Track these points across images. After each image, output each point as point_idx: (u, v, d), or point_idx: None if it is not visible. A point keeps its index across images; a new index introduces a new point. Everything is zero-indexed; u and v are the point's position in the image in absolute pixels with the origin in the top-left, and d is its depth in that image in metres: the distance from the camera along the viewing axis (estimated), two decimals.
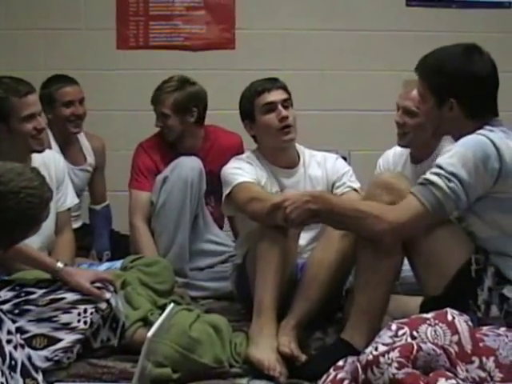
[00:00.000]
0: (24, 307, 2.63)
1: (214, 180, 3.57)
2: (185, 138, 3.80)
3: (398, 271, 2.74)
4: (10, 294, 2.66)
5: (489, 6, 4.63)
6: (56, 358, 2.59)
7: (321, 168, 3.33)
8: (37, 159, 3.18)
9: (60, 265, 2.77)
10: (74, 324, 2.64)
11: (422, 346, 2.11)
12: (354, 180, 3.31)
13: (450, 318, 2.23)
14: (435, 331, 2.19)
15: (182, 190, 3.57)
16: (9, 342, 2.22)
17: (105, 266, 3.49)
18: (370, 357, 2.12)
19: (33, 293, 2.67)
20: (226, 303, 3.50)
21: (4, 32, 4.53)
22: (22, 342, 2.29)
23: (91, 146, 4.04)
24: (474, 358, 2.17)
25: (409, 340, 2.16)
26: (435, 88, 2.66)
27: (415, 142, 3.27)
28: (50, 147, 3.56)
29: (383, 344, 2.15)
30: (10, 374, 2.16)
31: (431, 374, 2.07)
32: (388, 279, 2.69)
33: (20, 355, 2.21)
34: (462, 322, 2.23)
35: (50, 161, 3.31)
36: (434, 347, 2.12)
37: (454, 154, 2.55)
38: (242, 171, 3.19)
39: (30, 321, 2.60)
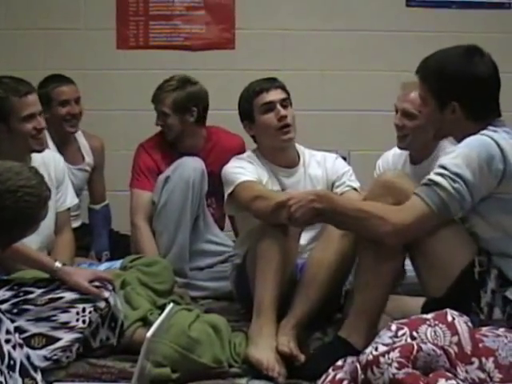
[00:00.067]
0: (22, 307, 2.62)
1: (215, 181, 3.57)
2: (185, 137, 3.81)
3: (398, 273, 2.73)
4: (8, 294, 2.66)
5: (489, 7, 4.63)
6: (55, 358, 2.59)
7: (321, 167, 3.33)
8: (36, 159, 3.18)
9: (58, 264, 2.76)
10: (73, 323, 2.64)
11: (422, 346, 2.11)
12: (354, 179, 3.32)
13: (449, 318, 2.23)
14: (435, 332, 2.19)
15: (184, 191, 3.57)
16: (7, 341, 2.22)
17: (104, 265, 3.49)
18: (370, 357, 2.12)
19: (31, 292, 2.67)
20: (226, 303, 3.50)
21: (4, 32, 4.52)
22: (21, 341, 2.29)
23: (89, 146, 4.04)
24: (473, 359, 2.17)
25: (409, 340, 2.16)
26: (436, 91, 2.65)
27: (415, 144, 3.27)
28: (47, 147, 3.56)
29: (383, 344, 2.15)
30: (8, 373, 2.16)
31: (431, 375, 2.07)
32: (388, 281, 2.68)
33: (19, 355, 2.21)
34: (461, 322, 2.23)
35: (49, 161, 3.31)
36: (434, 348, 2.12)
37: (458, 155, 2.54)
38: (244, 170, 3.19)
39: (28, 320, 2.60)
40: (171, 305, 2.48)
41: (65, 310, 2.65)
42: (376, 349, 2.14)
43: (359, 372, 2.16)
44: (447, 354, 2.13)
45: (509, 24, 4.60)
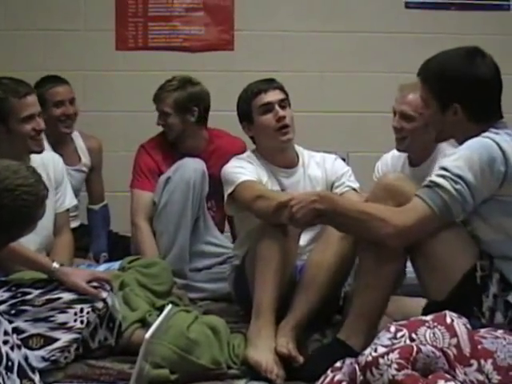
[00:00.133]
0: (20, 307, 2.62)
1: (215, 184, 3.57)
2: (186, 138, 3.82)
3: (399, 276, 2.73)
4: (6, 295, 2.66)
5: (488, 9, 4.64)
6: (53, 358, 2.59)
7: (320, 168, 3.33)
8: (36, 160, 3.18)
9: (56, 265, 2.76)
10: (71, 323, 2.64)
11: (422, 348, 2.11)
12: (353, 180, 3.31)
13: (448, 320, 2.23)
14: (434, 334, 2.18)
15: (184, 192, 3.58)
16: (5, 342, 2.22)
17: (103, 267, 3.48)
18: (370, 358, 2.12)
19: (29, 293, 2.67)
20: (225, 304, 3.50)
21: (3, 33, 4.52)
22: (19, 342, 2.29)
23: (86, 146, 4.04)
24: (472, 361, 2.16)
25: (408, 342, 2.16)
26: (438, 93, 2.64)
27: (413, 146, 3.27)
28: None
29: (382, 346, 2.15)
30: (6, 374, 2.15)
31: (430, 376, 2.07)
32: (388, 283, 2.68)
33: (17, 356, 2.21)
34: (460, 324, 2.23)
35: (48, 161, 3.31)
36: (434, 349, 2.12)
37: (459, 157, 2.53)
38: (245, 170, 3.19)
39: (26, 321, 2.59)
40: (170, 306, 2.48)
41: (63, 311, 2.64)
42: (375, 350, 2.14)
43: (358, 373, 2.15)
44: (446, 355, 2.13)
45: (508, 25, 4.61)
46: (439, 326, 2.20)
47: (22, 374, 2.22)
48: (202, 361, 2.64)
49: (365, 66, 4.62)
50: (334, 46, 4.62)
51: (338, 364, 2.32)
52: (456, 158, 2.54)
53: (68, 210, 3.44)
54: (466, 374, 2.14)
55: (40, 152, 3.19)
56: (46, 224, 3.15)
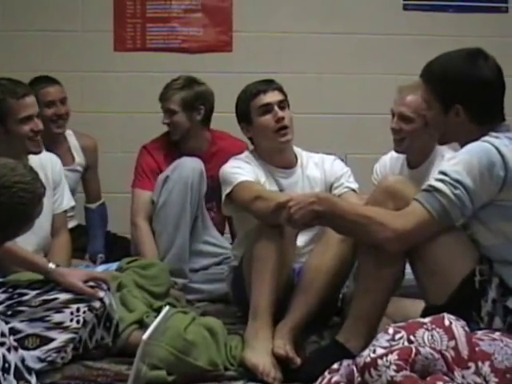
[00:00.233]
0: (16, 308, 2.62)
1: (216, 185, 3.57)
2: (189, 138, 3.83)
3: (398, 279, 2.71)
4: (2, 296, 2.65)
5: (486, 11, 4.64)
6: (49, 359, 2.58)
7: (319, 169, 3.32)
8: (34, 161, 3.17)
9: (52, 265, 2.76)
10: (67, 323, 2.63)
11: (421, 349, 2.11)
12: (352, 181, 3.30)
13: (446, 323, 2.23)
14: (432, 336, 2.18)
15: (183, 191, 3.58)
16: (2, 344, 2.21)
17: (101, 268, 3.48)
18: (368, 359, 2.11)
19: (25, 294, 2.66)
20: (222, 306, 3.50)
21: (1, 33, 4.52)
22: (16, 344, 2.28)
23: (81, 145, 4.04)
24: (470, 364, 2.16)
25: (406, 344, 2.15)
26: (440, 94, 2.63)
27: (412, 147, 3.26)
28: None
29: (380, 347, 2.15)
30: (3, 376, 2.15)
31: (428, 378, 2.07)
32: (388, 286, 2.67)
33: (13, 358, 2.20)
34: (458, 327, 2.22)
35: (46, 162, 3.31)
36: (432, 351, 2.12)
37: (459, 162, 2.52)
38: (243, 170, 3.19)
39: (22, 321, 2.59)
40: (167, 307, 2.48)
41: (59, 310, 2.64)
42: (374, 351, 2.13)
43: (356, 375, 2.15)
44: (445, 358, 2.13)
45: (505, 27, 4.61)
46: (437, 329, 2.20)
47: (18, 375, 2.21)
48: (200, 362, 2.63)
49: (363, 68, 4.62)
50: (333, 47, 4.63)
51: (335, 366, 2.32)
52: (455, 163, 2.53)
53: (66, 211, 3.44)
54: (463, 376, 2.14)
55: (38, 153, 3.19)
56: (43, 225, 3.16)
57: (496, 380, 2.14)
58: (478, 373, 2.15)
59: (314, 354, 2.73)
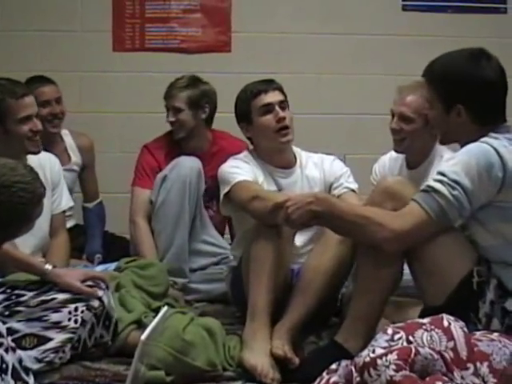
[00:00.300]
0: (14, 309, 2.61)
1: (216, 185, 3.57)
2: (193, 137, 3.84)
3: (396, 279, 2.71)
4: (0, 297, 2.65)
5: (485, 11, 4.65)
6: (47, 359, 2.58)
7: (318, 169, 3.32)
8: (32, 161, 3.17)
9: (48, 266, 2.75)
10: (65, 323, 2.63)
11: (420, 350, 2.11)
12: (352, 181, 3.30)
13: (445, 323, 2.23)
14: (431, 336, 2.18)
15: (181, 190, 3.59)
16: (0, 345, 2.21)
17: (99, 268, 3.48)
18: (368, 359, 2.11)
19: (23, 295, 2.66)
20: (220, 306, 3.50)
21: (0, 33, 4.52)
22: (13, 345, 2.28)
23: (77, 145, 4.03)
24: (468, 365, 2.16)
25: (405, 344, 2.15)
26: (442, 94, 2.63)
27: (412, 147, 3.27)
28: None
29: (380, 347, 2.15)
30: (0, 376, 2.15)
31: (427, 379, 2.07)
32: (387, 287, 2.67)
33: (11, 358, 2.20)
34: (457, 328, 2.22)
35: (45, 163, 3.31)
36: (432, 352, 2.12)
37: (457, 162, 2.52)
38: (241, 170, 3.18)
39: (19, 321, 2.59)
40: (166, 308, 2.47)
41: (56, 310, 2.64)
42: (373, 351, 2.13)
43: (354, 375, 2.15)
44: (444, 358, 2.13)
45: (504, 28, 4.61)
46: (436, 329, 2.20)
47: (16, 376, 2.21)
48: (198, 362, 2.63)
49: (362, 68, 4.62)
50: (332, 47, 4.63)
51: (333, 366, 2.32)
52: (454, 163, 2.53)
53: (64, 211, 3.44)
54: (462, 377, 2.14)
55: (37, 153, 3.19)
56: (42, 225, 3.15)
57: (494, 380, 2.14)
58: (476, 374, 2.15)
59: (313, 355, 2.73)
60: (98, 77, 4.56)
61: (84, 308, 2.67)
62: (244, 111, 3.29)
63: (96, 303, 2.70)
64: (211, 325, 2.78)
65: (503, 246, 2.55)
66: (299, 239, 3.14)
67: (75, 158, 4.02)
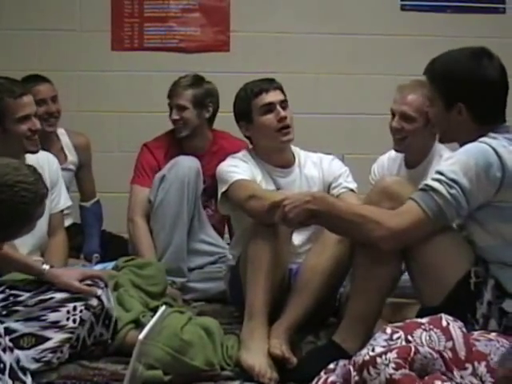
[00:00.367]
0: (12, 308, 2.61)
1: (215, 184, 3.57)
2: (195, 136, 3.85)
3: (395, 279, 2.71)
4: None
5: (483, 11, 4.65)
6: (45, 359, 2.58)
7: (317, 168, 3.32)
8: (31, 160, 3.17)
9: (46, 267, 2.74)
10: (63, 322, 2.63)
11: (420, 349, 2.11)
12: (351, 180, 3.30)
13: (444, 323, 2.23)
14: (430, 336, 2.18)
15: (179, 190, 3.59)
16: None
17: (97, 267, 3.48)
18: (367, 357, 2.11)
19: (21, 295, 2.65)
20: (218, 306, 3.50)
21: None
22: (11, 345, 2.28)
23: (73, 144, 4.03)
24: (467, 365, 2.16)
25: (404, 344, 2.15)
26: (444, 92, 2.62)
27: (413, 146, 3.26)
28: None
29: (379, 346, 2.15)
30: None
31: (426, 378, 2.07)
32: (384, 287, 2.67)
33: (8, 358, 2.20)
34: (456, 328, 2.23)
35: (44, 162, 3.31)
36: (431, 351, 2.12)
37: (455, 162, 2.52)
38: (239, 169, 3.18)
39: (17, 320, 2.59)
40: (164, 307, 2.47)
41: (55, 310, 2.64)
42: (373, 350, 2.13)
43: (352, 374, 2.15)
44: (443, 357, 2.13)
45: (503, 28, 4.61)
46: (435, 329, 2.20)
47: (13, 376, 2.20)
48: (196, 362, 2.63)
49: (361, 68, 4.62)
50: (330, 47, 4.63)
51: (331, 366, 2.32)
52: (452, 163, 2.53)
53: (62, 211, 3.44)
54: (461, 377, 2.14)
55: (36, 152, 3.19)
56: (40, 224, 3.13)
57: (492, 380, 2.14)
58: (474, 374, 2.15)
59: (310, 354, 2.72)
60: (96, 76, 4.56)
61: (83, 307, 2.66)
62: (244, 110, 3.28)
63: (95, 302, 2.70)
64: (209, 324, 2.78)
65: (502, 246, 2.55)
66: (297, 238, 3.14)
67: (71, 157, 4.01)
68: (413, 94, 3.18)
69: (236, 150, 3.53)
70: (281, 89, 3.30)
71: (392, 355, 2.08)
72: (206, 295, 3.63)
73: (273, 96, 3.24)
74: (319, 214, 2.60)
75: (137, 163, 3.88)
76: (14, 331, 2.56)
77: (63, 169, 3.88)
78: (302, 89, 4.48)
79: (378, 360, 2.08)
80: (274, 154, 3.29)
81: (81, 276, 2.74)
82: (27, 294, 2.66)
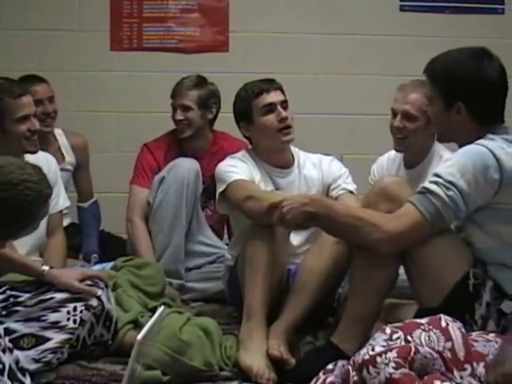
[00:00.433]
0: (12, 309, 2.61)
1: (214, 184, 3.56)
2: (197, 137, 3.85)
3: (393, 281, 2.71)
4: None
5: (482, 12, 4.65)
6: (45, 360, 2.58)
7: (316, 169, 3.32)
8: (30, 160, 3.16)
9: (45, 267, 2.74)
10: (63, 323, 2.63)
11: (420, 348, 2.11)
12: (350, 182, 3.29)
13: (443, 324, 2.22)
14: (429, 337, 2.18)
15: (179, 191, 3.59)
16: None
17: (96, 268, 3.48)
18: (367, 356, 2.11)
19: (21, 295, 2.65)
20: (217, 306, 3.50)
21: None
22: (11, 345, 2.28)
23: (71, 144, 4.02)
24: (466, 366, 2.16)
25: (403, 344, 2.16)
26: (444, 91, 2.62)
27: (413, 146, 3.26)
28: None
29: (379, 346, 2.15)
30: None
31: (426, 377, 2.07)
32: (382, 288, 2.67)
33: (8, 359, 2.19)
34: (455, 328, 2.22)
35: (42, 162, 3.29)
36: (431, 351, 2.12)
37: (453, 164, 2.51)
38: (237, 169, 3.18)
39: (17, 321, 2.59)
40: (162, 307, 2.48)
41: (55, 310, 2.64)
42: (373, 349, 2.13)
43: (351, 374, 2.15)
44: (443, 358, 2.13)
45: (502, 29, 4.62)
46: (434, 330, 2.20)
47: (12, 377, 2.20)
48: (194, 362, 2.63)
49: (359, 69, 4.62)
50: (329, 48, 4.63)
51: (329, 366, 2.32)
52: (450, 165, 2.52)
53: (61, 211, 3.44)
54: (461, 377, 2.14)
55: (35, 152, 3.19)
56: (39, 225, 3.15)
57: None
58: (473, 374, 2.15)
59: (309, 355, 2.72)
60: (95, 76, 4.56)
61: (83, 308, 2.66)
62: (244, 110, 3.27)
63: (95, 302, 2.70)
64: (208, 324, 2.78)
65: (501, 247, 2.54)
66: (296, 239, 3.14)
67: (69, 157, 4.01)
68: (415, 93, 3.19)
69: (236, 150, 3.52)
70: (281, 89, 3.30)
71: (392, 354, 2.08)
72: (204, 295, 3.63)
73: (273, 96, 3.24)
74: (317, 216, 2.60)
75: (137, 163, 3.88)
76: (14, 332, 2.56)
77: (61, 169, 3.87)
78: (302, 89, 4.48)
79: (378, 359, 2.08)
80: (274, 155, 3.28)
81: (81, 276, 2.74)
82: (27, 295, 2.65)
